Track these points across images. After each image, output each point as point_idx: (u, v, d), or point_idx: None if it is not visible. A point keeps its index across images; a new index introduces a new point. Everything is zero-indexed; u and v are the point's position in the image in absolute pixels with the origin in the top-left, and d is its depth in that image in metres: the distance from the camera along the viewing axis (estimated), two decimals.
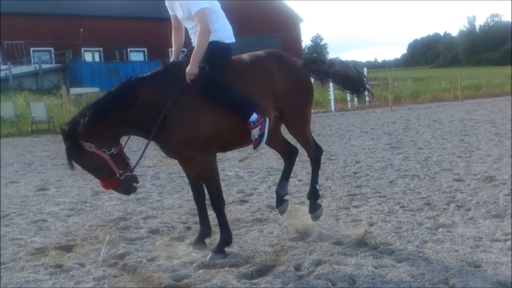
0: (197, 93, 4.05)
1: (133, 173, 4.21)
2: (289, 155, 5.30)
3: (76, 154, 4.00)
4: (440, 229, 4.82)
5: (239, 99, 4.14)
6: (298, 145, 5.29)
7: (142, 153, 4.24)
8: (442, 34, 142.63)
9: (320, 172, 7.75)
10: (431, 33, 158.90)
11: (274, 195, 6.47)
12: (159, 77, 4.14)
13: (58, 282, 3.87)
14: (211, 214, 5.66)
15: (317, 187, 4.98)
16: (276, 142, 5.11)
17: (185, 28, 4.52)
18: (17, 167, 9.48)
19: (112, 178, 4.06)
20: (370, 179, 7.22)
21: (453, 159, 8.43)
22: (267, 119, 4.26)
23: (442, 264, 3.93)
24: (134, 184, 4.24)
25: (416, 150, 9.55)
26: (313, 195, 4.89)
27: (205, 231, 4.64)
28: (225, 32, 4.37)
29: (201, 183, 4.53)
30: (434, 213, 5.36)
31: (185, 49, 4.59)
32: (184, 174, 7.83)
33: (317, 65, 5.00)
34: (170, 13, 4.47)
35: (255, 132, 4.20)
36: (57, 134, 15.55)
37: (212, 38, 4.24)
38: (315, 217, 4.85)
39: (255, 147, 4.29)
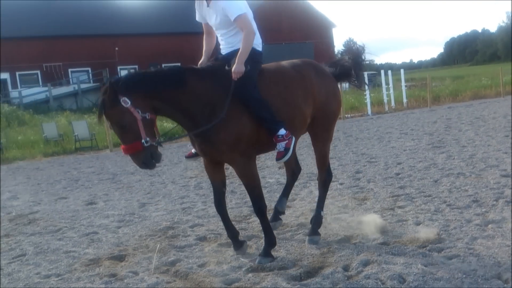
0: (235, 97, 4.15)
1: (159, 147, 4.07)
2: (294, 172, 5.49)
3: (109, 105, 3.84)
4: (490, 225, 4.73)
5: (268, 115, 4.20)
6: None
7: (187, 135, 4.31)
8: (480, 31, 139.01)
9: (361, 175, 7.82)
10: (468, 30, 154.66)
11: (317, 199, 6.53)
12: (208, 72, 4.25)
13: None
14: (255, 220, 5.74)
15: (322, 213, 4.98)
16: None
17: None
18: (65, 183, 9.83)
19: (136, 141, 3.87)
20: (413, 179, 7.12)
21: (499, 155, 8.20)
22: (294, 138, 4.33)
23: (494, 259, 3.86)
24: (155, 161, 4.01)
25: (460, 148, 9.35)
26: (317, 221, 4.88)
27: (234, 233, 4.69)
28: (257, 40, 4.47)
29: (224, 190, 4.60)
30: (483, 210, 5.24)
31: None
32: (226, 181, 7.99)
33: (338, 66, 5.15)
34: (201, 21, 4.57)
35: (281, 146, 4.27)
36: (100, 150, 16.06)
37: None
38: (312, 241, 4.69)
39: (277, 160, 4.33)
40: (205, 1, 4.38)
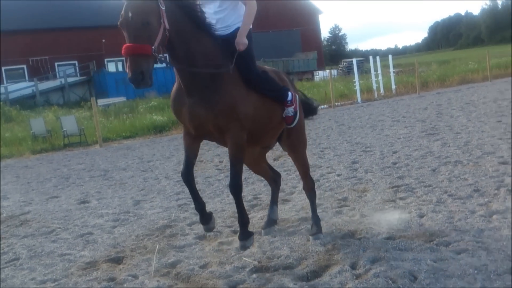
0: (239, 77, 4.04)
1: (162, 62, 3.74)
2: (275, 179, 5.48)
3: None
4: (494, 216, 4.67)
5: (273, 85, 4.30)
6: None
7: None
8: (463, 14, 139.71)
9: (358, 165, 7.73)
10: (452, 14, 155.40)
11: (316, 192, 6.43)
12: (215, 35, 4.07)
13: None
14: (255, 216, 5.64)
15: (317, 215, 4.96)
16: (263, 168, 5.45)
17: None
18: (55, 181, 9.62)
19: (147, 45, 3.55)
20: (411, 168, 7.05)
21: (494, 141, 8.17)
22: (298, 97, 4.50)
23: (504, 253, 3.79)
24: (150, 80, 3.60)
25: (454, 135, 9.31)
26: (317, 222, 4.83)
27: (201, 205, 4.38)
28: None
29: (195, 161, 4.26)
30: (485, 200, 5.18)
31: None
32: (221, 178, 7.83)
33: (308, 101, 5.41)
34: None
35: (290, 110, 4.41)
36: (90, 146, 15.80)
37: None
38: (316, 238, 4.61)
39: (289, 124, 4.48)
40: None
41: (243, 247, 4.25)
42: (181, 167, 4.33)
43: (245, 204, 6.27)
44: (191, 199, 6.86)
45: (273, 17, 47.56)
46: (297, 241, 4.67)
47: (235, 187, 4.11)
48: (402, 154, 8.12)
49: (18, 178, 10.51)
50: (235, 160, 4.09)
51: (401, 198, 5.63)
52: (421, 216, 4.92)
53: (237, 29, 4.18)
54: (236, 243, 4.77)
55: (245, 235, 4.23)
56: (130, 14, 3.62)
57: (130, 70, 3.49)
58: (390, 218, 4.95)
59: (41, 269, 4.71)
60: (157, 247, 4.85)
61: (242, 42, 4.05)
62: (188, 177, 4.18)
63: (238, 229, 4.40)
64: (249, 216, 5.78)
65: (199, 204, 4.35)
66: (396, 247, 4.19)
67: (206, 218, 4.37)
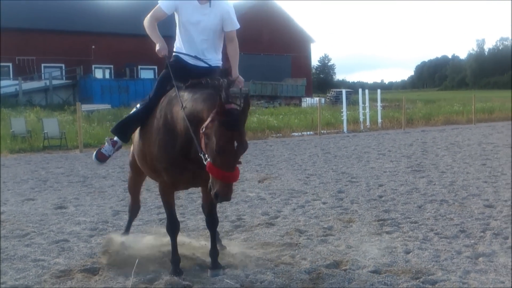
0: None
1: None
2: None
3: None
4: (480, 258, 4.63)
5: None
6: None
7: None
8: (450, 56, 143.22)
9: (343, 195, 7.68)
10: (439, 55, 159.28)
11: (300, 218, 6.36)
12: None
13: None
14: (239, 237, 5.50)
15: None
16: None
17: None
18: (32, 183, 9.34)
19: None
20: (397, 203, 7.03)
21: (479, 184, 8.23)
22: None
23: None
24: None
25: (439, 174, 9.36)
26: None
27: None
28: None
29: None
30: (471, 241, 5.16)
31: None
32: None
33: None
34: (167, 10, 4.32)
35: None
36: (70, 150, 15.48)
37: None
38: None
39: None
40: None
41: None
42: None
43: (228, 224, 6.19)
44: None
45: (266, 41, 47.99)
46: (281, 267, 4.56)
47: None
48: (388, 188, 8.10)
49: None
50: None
51: (387, 232, 5.57)
52: (407, 252, 4.86)
53: (216, 67, 4.36)
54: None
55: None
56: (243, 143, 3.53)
57: (228, 195, 3.53)
58: (376, 252, 4.88)
59: (13, 273, 4.51)
60: (136, 261, 4.66)
61: (242, 79, 4.32)
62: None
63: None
64: (232, 237, 5.68)
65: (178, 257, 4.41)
66: (382, 281, 4.12)
67: (178, 272, 4.33)
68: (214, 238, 4.51)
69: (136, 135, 4.62)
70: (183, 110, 3.85)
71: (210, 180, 3.60)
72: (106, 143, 4.85)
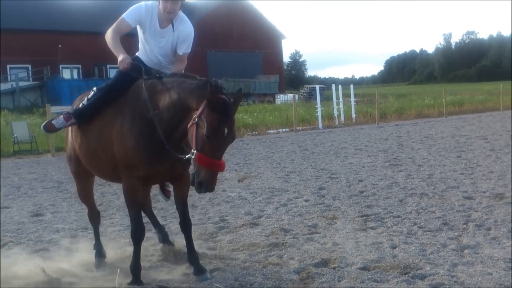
0: None
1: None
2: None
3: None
4: (466, 251, 4.70)
5: None
6: None
7: None
8: (418, 51, 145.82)
9: (325, 191, 7.69)
10: (407, 50, 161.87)
11: (284, 217, 6.33)
12: None
13: None
14: (224, 239, 5.43)
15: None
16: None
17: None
18: (6, 191, 9.05)
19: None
20: (378, 198, 7.08)
21: (456, 176, 8.37)
22: None
23: None
24: None
25: (416, 167, 9.48)
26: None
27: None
28: None
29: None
30: (455, 234, 5.23)
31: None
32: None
33: None
34: (131, 23, 4.23)
35: None
36: (41, 154, 15.09)
37: None
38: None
39: None
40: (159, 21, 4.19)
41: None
42: None
43: (211, 226, 6.12)
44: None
45: (237, 37, 47.91)
46: (270, 268, 4.52)
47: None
48: (368, 183, 8.16)
49: None
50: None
51: (371, 228, 5.59)
52: (394, 247, 4.89)
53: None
54: (207, 266, 4.57)
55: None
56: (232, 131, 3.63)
57: (212, 186, 3.55)
58: (363, 248, 4.89)
59: None
60: (118, 270, 4.53)
61: None
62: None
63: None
64: (216, 239, 5.60)
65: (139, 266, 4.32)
66: (372, 278, 4.12)
67: (139, 282, 4.24)
68: (191, 241, 4.41)
69: (78, 139, 4.42)
70: (170, 98, 3.82)
71: (193, 171, 3.59)
72: (61, 116, 4.50)
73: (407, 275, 4.15)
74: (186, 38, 4.27)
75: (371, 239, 5.19)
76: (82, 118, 4.35)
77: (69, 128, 4.63)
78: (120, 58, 4.09)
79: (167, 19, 4.18)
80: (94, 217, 5.10)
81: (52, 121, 4.50)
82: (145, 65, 4.27)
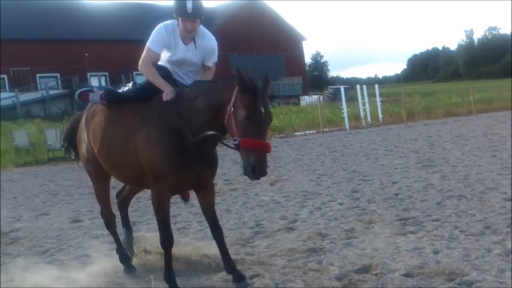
0: None
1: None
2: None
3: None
4: None
5: None
6: None
7: None
8: (440, 48, 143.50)
9: (359, 194, 7.63)
10: (429, 47, 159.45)
11: (319, 221, 6.30)
12: None
13: None
14: (261, 244, 5.43)
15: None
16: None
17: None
18: (43, 197, 9.26)
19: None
20: (415, 201, 6.97)
21: (493, 176, 8.18)
22: None
23: None
24: None
25: (451, 168, 9.31)
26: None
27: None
28: None
29: None
30: (499, 238, 5.10)
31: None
32: (218, 201, 7.66)
33: None
34: (156, 50, 4.20)
35: None
36: (75, 161, 15.35)
37: None
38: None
39: None
40: (184, 39, 4.18)
41: None
42: None
43: (247, 230, 6.13)
44: (190, 222, 6.69)
45: (258, 41, 47.98)
46: (310, 274, 4.50)
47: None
48: (402, 185, 8.05)
49: (4, 192, 10.09)
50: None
51: (411, 232, 5.50)
52: (436, 252, 4.80)
53: None
54: (246, 272, 4.59)
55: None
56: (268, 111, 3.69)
57: (266, 167, 3.59)
58: (404, 254, 4.83)
59: None
60: (152, 278, 4.56)
61: None
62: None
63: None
64: (253, 244, 5.61)
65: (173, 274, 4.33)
66: (417, 285, 4.06)
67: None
68: (225, 249, 4.42)
69: (97, 144, 4.42)
70: (200, 101, 3.87)
71: (244, 159, 3.62)
72: (95, 92, 4.50)
73: (453, 282, 4.07)
74: (210, 52, 4.29)
75: (411, 244, 5.11)
76: (111, 101, 4.39)
77: (85, 130, 4.67)
78: (165, 90, 4.06)
79: (188, 37, 4.18)
80: (111, 220, 5.04)
81: (89, 94, 4.49)
82: (171, 75, 4.29)
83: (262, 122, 3.59)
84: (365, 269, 4.53)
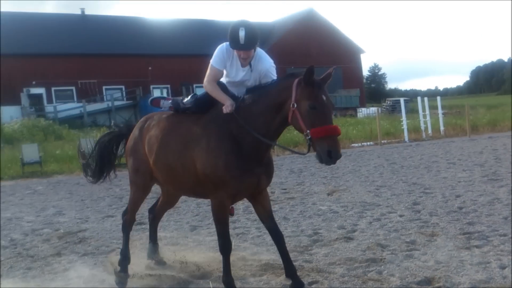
0: None
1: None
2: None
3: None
4: None
5: None
6: None
7: None
8: (506, 60, 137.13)
9: (420, 207, 7.46)
10: (494, 59, 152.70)
11: (379, 232, 6.21)
12: None
13: None
14: (319, 252, 5.43)
15: None
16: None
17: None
18: (109, 201, 9.69)
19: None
20: (480, 215, 6.73)
21: None
22: None
23: None
24: None
25: None
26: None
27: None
28: None
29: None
30: None
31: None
32: (276, 209, 7.73)
33: None
34: (219, 67, 4.34)
35: None
36: None
37: None
38: None
39: None
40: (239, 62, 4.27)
41: None
42: None
43: (305, 238, 6.15)
44: (248, 228, 6.79)
45: (315, 54, 47.81)
46: (370, 284, 4.46)
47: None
48: (466, 199, 7.79)
49: (72, 195, 10.66)
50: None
51: (476, 246, 5.32)
52: (503, 268, 4.63)
53: None
54: (304, 279, 4.61)
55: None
56: (329, 99, 3.84)
57: (340, 149, 3.73)
58: (469, 267, 4.68)
59: None
60: (210, 282, 4.66)
61: None
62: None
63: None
64: (312, 251, 5.62)
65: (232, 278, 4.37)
66: None
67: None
68: (287, 254, 4.41)
69: (153, 154, 4.60)
70: (260, 104, 4.04)
71: (317, 149, 3.72)
72: (169, 102, 4.86)
73: None
74: (267, 73, 4.29)
75: (477, 258, 4.95)
76: (177, 110, 4.71)
77: (140, 141, 4.89)
78: (226, 103, 4.19)
79: (244, 63, 4.29)
80: (130, 224, 5.33)
81: (161, 101, 4.89)
82: (227, 89, 4.40)
83: (326, 108, 3.73)
84: (428, 281, 4.43)
